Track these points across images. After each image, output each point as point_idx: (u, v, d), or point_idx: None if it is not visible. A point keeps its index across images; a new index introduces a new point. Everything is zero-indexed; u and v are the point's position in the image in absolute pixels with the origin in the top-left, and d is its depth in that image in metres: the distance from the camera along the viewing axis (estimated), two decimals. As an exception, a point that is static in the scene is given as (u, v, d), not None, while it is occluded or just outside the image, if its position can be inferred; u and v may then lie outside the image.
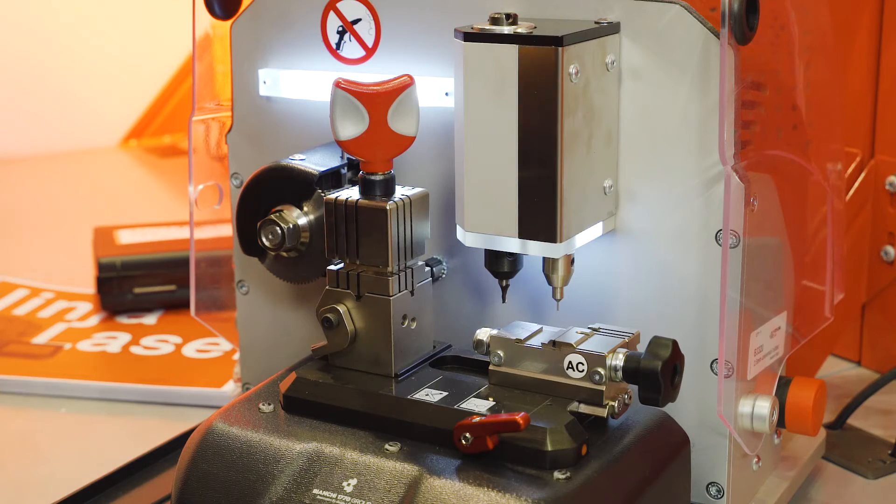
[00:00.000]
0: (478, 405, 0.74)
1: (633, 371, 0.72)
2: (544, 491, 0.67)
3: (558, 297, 0.78)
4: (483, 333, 0.77)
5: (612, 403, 0.73)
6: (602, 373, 0.72)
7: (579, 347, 0.73)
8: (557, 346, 0.74)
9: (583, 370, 0.73)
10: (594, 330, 0.76)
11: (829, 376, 1.12)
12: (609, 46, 0.75)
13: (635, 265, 0.80)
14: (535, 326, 0.77)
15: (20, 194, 2.03)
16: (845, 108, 0.96)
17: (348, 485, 0.71)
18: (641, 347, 0.74)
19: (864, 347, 1.15)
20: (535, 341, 0.75)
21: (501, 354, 0.76)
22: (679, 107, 0.76)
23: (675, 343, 0.72)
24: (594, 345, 0.74)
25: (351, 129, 0.77)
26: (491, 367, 0.77)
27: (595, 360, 0.73)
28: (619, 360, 0.72)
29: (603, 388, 0.73)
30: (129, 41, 2.32)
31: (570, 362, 0.74)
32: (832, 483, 0.94)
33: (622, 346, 0.74)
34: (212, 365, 1.17)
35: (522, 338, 0.76)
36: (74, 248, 1.56)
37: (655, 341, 0.72)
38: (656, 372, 0.71)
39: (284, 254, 0.84)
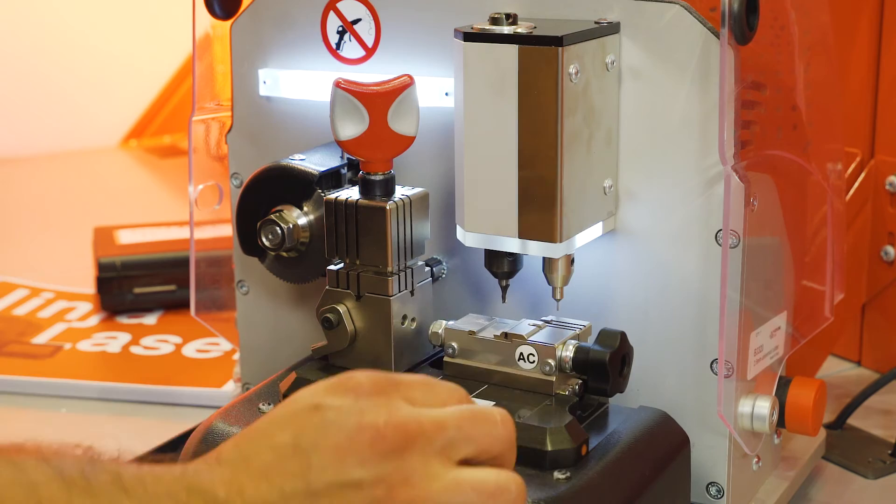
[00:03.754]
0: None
1: (582, 362, 0.74)
2: (544, 491, 0.67)
3: (558, 297, 0.78)
4: (438, 326, 0.78)
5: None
6: (552, 364, 0.74)
7: (530, 339, 0.75)
8: (509, 338, 0.76)
9: (534, 361, 0.75)
10: (546, 322, 0.78)
11: (829, 376, 1.12)
12: (609, 46, 0.75)
13: (635, 265, 0.80)
14: (489, 319, 0.79)
15: (20, 194, 2.03)
16: (845, 108, 0.96)
17: (348, 485, 0.71)
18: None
19: (864, 347, 1.15)
20: (488, 333, 0.77)
21: (455, 346, 0.78)
22: (679, 107, 0.76)
23: (623, 334, 0.74)
24: (545, 336, 0.76)
25: (351, 129, 0.77)
26: (445, 359, 0.78)
27: (545, 351, 0.74)
28: (569, 351, 0.74)
29: (553, 378, 0.74)
30: (129, 41, 2.32)
31: (521, 353, 0.75)
32: (832, 483, 0.94)
33: (573, 338, 0.75)
34: (212, 365, 1.17)
35: (475, 330, 0.77)
36: (74, 248, 1.56)
37: (604, 333, 0.74)
38: (605, 363, 0.73)
39: (284, 254, 0.84)
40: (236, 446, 0.59)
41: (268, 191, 0.84)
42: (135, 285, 1.32)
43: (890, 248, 1.10)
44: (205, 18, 0.91)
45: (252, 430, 0.59)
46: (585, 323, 0.77)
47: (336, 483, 0.56)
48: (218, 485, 0.57)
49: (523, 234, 0.74)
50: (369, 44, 0.86)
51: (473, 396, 0.75)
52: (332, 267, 0.80)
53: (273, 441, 0.58)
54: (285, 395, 0.78)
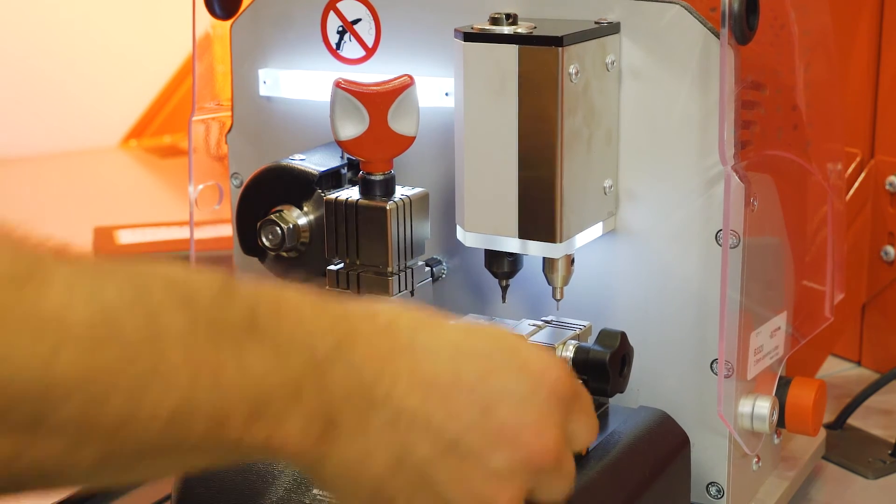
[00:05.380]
0: (478, 405, 0.74)
1: (582, 362, 0.73)
2: (544, 491, 0.67)
3: (558, 297, 0.78)
4: None
5: None
6: None
7: (530, 339, 0.75)
8: None
9: None
10: (546, 322, 0.77)
11: (829, 376, 1.12)
12: (609, 46, 0.75)
13: (635, 265, 0.80)
14: (489, 319, 0.79)
15: (20, 194, 2.03)
16: (845, 108, 0.96)
17: (348, 485, 0.71)
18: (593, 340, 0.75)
19: (864, 347, 1.15)
20: None
21: None
22: (679, 107, 0.76)
23: (623, 334, 0.74)
24: (545, 337, 0.75)
25: (351, 129, 0.77)
26: None
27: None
28: (569, 351, 0.74)
29: None
30: (129, 41, 2.32)
31: None
32: (832, 483, 0.94)
33: (573, 338, 0.75)
34: (212, 365, 1.17)
35: None
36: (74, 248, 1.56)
37: (604, 333, 0.74)
38: (605, 363, 0.72)
39: (284, 254, 0.84)
40: (415, 335, 0.53)
41: (268, 191, 0.84)
42: (135, 285, 1.32)
43: (890, 248, 1.10)
44: (205, 18, 0.91)
45: (441, 339, 0.54)
46: (585, 323, 0.77)
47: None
48: (377, 373, 0.51)
49: (523, 234, 0.74)
50: (369, 44, 0.86)
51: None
52: (332, 267, 0.80)
53: (460, 382, 0.52)
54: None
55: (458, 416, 0.52)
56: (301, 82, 0.89)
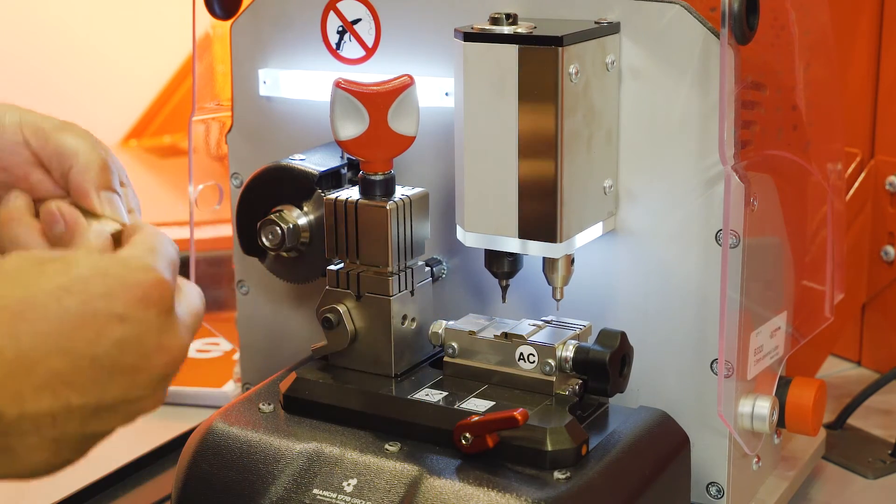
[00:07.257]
0: (478, 405, 0.74)
1: (582, 362, 0.74)
2: (544, 491, 0.67)
3: (558, 297, 0.78)
4: (438, 326, 0.79)
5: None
6: (552, 364, 0.74)
7: (530, 339, 0.75)
8: (509, 338, 0.76)
9: (534, 361, 0.75)
10: (546, 322, 0.78)
11: (829, 376, 1.12)
12: (609, 46, 0.75)
13: (635, 265, 0.80)
14: (489, 319, 0.79)
15: (20, 194, 2.02)
16: (845, 108, 0.96)
17: (348, 485, 0.71)
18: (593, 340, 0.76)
19: (864, 347, 1.15)
20: (488, 333, 0.77)
21: (455, 346, 0.78)
22: (679, 107, 0.76)
23: (623, 334, 0.74)
24: (545, 336, 0.76)
25: (351, 129, 0.77)
26: (445, 359, 0.78)
27: (546, 351, 0.74)
28: (569, 351, 0.74)
29: (553, 378, 0.74)
30: (129, 42, 2.32)
31: (521, 353, 0.75)
32: (832, 483, 0.94)
33: (573, 338, 0.75)
34: (212, 365, 1.17)
35: (475, 330, 0.77)
36: (74, 248, 1.56)
37: (604, 333, 0.74)
38: (605, 363, 0.73)
39: (284, 254, 0.84)
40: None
41: (268, 191, 0.84)
42: (135, 285, 1.32)
43: (890, 248, 1.10)
44: (205, 18, 0.91)
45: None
46: (585, 323, 0.78)
47: None
48: None
49: (523, 234, 0.74)
50: (369, 44, 0.86)
51: (473, 396, 0.75)
52: (332, 267, 0.80)
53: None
54: (286, 396, 0.78)
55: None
56: (301, 82, 0.89)
